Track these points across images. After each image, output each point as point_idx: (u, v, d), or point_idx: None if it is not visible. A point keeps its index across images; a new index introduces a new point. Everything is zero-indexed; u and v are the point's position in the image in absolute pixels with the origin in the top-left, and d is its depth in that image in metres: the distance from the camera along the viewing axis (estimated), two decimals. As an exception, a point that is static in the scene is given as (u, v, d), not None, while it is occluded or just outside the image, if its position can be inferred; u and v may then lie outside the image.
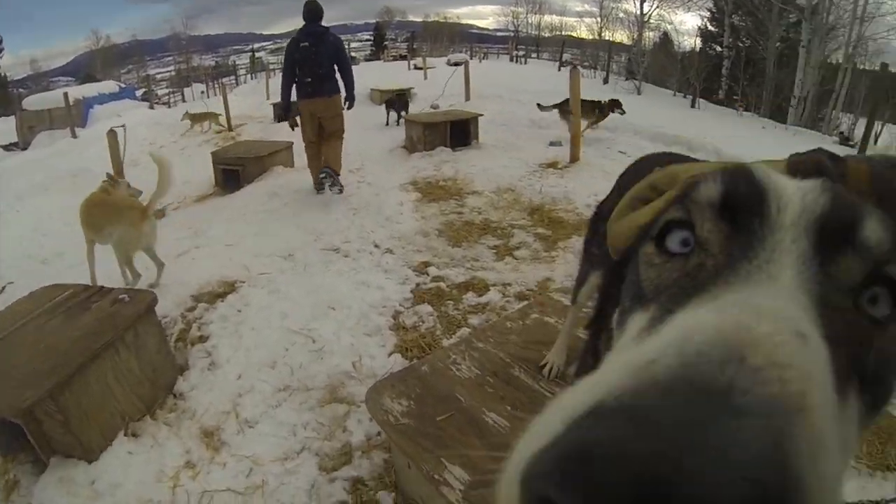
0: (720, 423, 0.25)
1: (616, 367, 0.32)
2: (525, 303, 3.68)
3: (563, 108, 8.61)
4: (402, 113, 10.61)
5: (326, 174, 5.75)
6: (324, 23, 5.68)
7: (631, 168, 1.56)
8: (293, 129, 6.09)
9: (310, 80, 5.56)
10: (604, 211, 1.60)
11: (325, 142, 5.88)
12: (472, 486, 1.49)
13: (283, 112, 6.07)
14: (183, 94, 32.76)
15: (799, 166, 0.55)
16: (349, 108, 5.95)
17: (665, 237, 0.51)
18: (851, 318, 0.42)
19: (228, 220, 5.44)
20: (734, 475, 0.23)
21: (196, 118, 14.06)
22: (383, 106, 11.46)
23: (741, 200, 0.47)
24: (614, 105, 8.89)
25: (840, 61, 19.13)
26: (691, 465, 0.23)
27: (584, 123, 7.95)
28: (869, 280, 0.43)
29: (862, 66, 19.31)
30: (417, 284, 3.94)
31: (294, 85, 5.66)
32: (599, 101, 8.95)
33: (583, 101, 7.78)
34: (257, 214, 5.60)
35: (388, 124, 11.03)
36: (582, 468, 0.24)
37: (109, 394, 2.28)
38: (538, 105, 9.46)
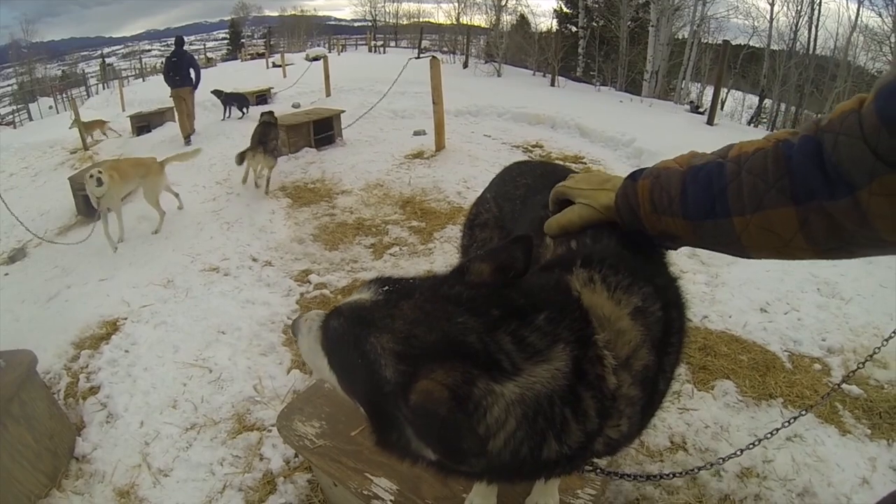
0: None
1: None
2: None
3: None
4: (244, 109, 11.96)
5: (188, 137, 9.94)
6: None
7: (496, 179, 1.60)
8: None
9: (178, 78, 9.83)
10: (479, 217, 1.56)
11: (188, 112, 10.04)
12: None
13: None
14: (29, 111, 28.81)
15: None
16: (196, 89, 10.18)
17: None
18: None
19: (98, 252, 5.00)
20: None
21: (89, 126, 11.84)
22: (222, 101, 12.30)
23: None
24: None
25: (686, 37, 20.52)
26: None
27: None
28: None
29: (706, 42, 21.16)
30: (302, 294, 3.89)
31: (169, 79, 9.90)
32: None
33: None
34: (128, 241, 5.21)
35: (226, 118, 11.92)
36: None
37: (10, 478, 2.06)
38: None
